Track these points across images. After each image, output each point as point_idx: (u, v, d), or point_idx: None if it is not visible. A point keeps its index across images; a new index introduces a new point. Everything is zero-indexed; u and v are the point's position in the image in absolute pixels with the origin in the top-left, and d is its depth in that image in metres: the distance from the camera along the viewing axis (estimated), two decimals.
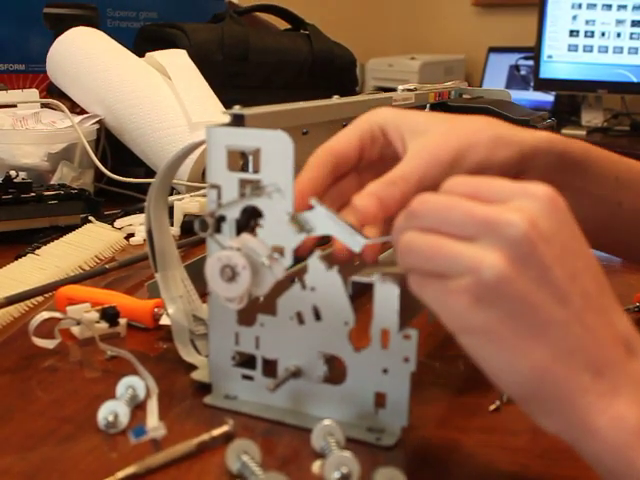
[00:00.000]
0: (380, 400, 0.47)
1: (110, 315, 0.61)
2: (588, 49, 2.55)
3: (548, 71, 2.60)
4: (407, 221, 0.40)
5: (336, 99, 0.65)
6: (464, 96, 0.96)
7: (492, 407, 0.51)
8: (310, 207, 0.46)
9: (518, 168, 0.50)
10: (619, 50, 2.50)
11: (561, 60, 2.58)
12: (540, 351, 0.37)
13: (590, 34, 2.54)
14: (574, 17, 2.56)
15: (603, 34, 2.52)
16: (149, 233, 0.55)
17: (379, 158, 0.52)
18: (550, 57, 2.60)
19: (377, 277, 0.44)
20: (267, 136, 0.46)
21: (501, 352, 0.37)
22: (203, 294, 0.54)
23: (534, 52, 2.63)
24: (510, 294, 0.36)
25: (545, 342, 0.37)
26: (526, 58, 2.79)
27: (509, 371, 0.38)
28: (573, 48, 2.56)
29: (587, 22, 2.54)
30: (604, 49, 2.52)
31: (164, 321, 0.62)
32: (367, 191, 0.47)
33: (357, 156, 0.51)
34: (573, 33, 2.56)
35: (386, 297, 0.44)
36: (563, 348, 0.37)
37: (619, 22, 2.50)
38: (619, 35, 2.51)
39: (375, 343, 0.45)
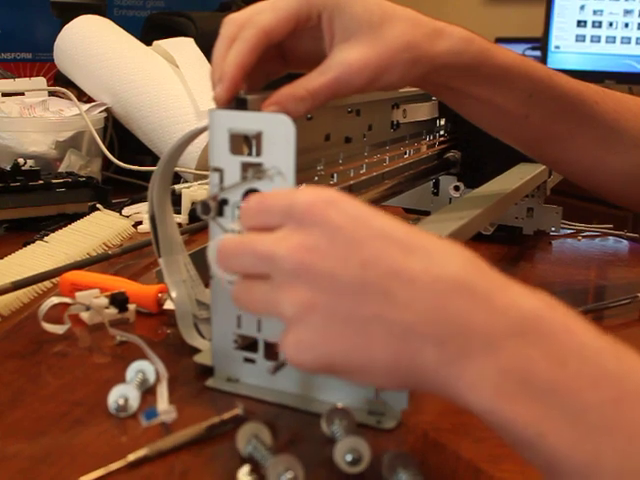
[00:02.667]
0: None
1: (119, 301, 0.61)
2: (596, 39, 2.53)
3: (555, 62, 2.59)
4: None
5: None
6: None
7: None
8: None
9: (426, 80, 0.56)
10: (627, 40, 2.49)
11: (568, 50, 2.57)
12: (377, 354, 0.36)
13: (598, 24, 2.52)
14: (582, 7, 2.54)
15: (611, 24, 2.50)
16: (152, 218, 0.55)
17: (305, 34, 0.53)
18: (557, 47, 2.59)
19: None
20: (269, 119, 0.46)
21: (358, 372, 0.38)
22: (207, 282, 0.54)
23: (541, 43, 2.62)
24: (315, 322, 0.37)
25: (378, 341, 0.36)
26: (533, 49, 2.78)
27: (372, 380, 0.38)
28: (580, 38, 2.55)
29: (595, 12, 2.53)
30: (612, 39, 2.51)
31: (168, 306, 0.63)
32: (274, 99, 0.49)
33: (287, 36, 0.51)
34: (581, 23, 2.55)
35: None
36: (394, 336, 0.36)
37: (627, 12, 2.49)
38: (627, 25, 2.50)
39: None
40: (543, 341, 0.34)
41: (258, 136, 0.46)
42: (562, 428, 0.33)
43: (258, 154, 0.47)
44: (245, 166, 0.47)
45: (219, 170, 0.48)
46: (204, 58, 1.17)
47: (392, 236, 0.38)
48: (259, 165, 0.47)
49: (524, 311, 0.35)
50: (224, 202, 0.48)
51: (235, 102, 0.49)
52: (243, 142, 0.48)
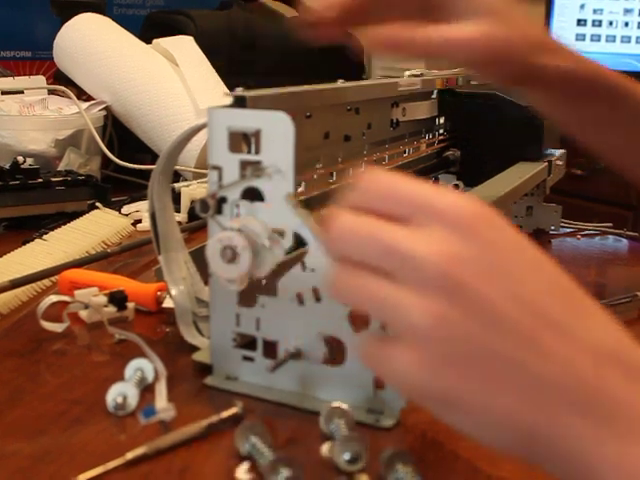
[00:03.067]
0: (379, 381, 0.47)
1: (118, 299, 0.61)
2: (596, 38, 2.53)
3: None
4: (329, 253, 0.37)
5: (340, 83, 0.64)
6: (472, 82, 0.96)
7: None
8: None
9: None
10: (627, 39, 2.49)
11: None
12: (501, 399, 0.32)
13: (598, 23, 2.52)
14: (582, 6, 2.54)
15: (611, 23, 2.50)
16: (152, 216, 0.55)
17: None
18: None
19: None
20: (267, 117, 0.46)
21: (467, 415, 0.33)
22: (207, 280, 0.54)
23: None
24: (447, 341, 0.32)
25: (503, 385, 0.32)
26: None
27: (484, 432, 0.34)
28: (581, 37, 2.55)
29: (595, 11, 2.53)
30: (612, 38, 2.51)
31: (167, 304, 0.63)
32: (394, 38, 0.51)
33: None
34: (581, 22, 2.55)
35: None
36: (530, 388, 0.31)
37: (627, 11, 2.48)
38: (627, 24, 2.49)
39: (374, 324, 0.45)
40: None
41: (257, 134, 0.46)
42: None
43: (257, 152, 0.47)
44: (244, 164, 0.47)
45: (218, 168, 0.48)
46: (204, 56, 1.16)
47: (558, 283, 0.34)
48: (258, 163, 0.47)
49: None
50: (223, 200, 0.48)
51: (234, 100, 0.49)
52: (242, 140, 0.48)
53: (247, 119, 0.47)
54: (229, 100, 0.49)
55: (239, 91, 0.49)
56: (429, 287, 0.32)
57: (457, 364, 0.32)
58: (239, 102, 0.49)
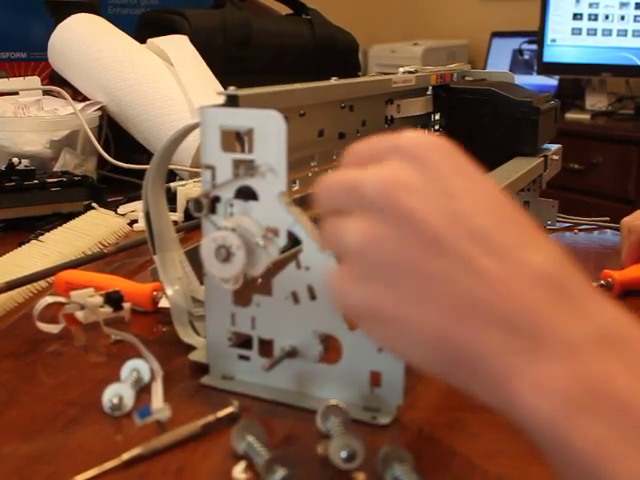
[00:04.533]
0: (375, 379, 0.47)
1: (114, 299, 0.61)
2: (592, 32, 2.53)
3: (552, 55, 2.59)
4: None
5: (334, 80, 0.64)
6: (466, 78, 0.96)
7: None
8: None
9: None
10: (623, 33, 2.48)
11: (565, 44, 2.57)
12: (432, 316, 0.32)
13: (594, 17, 2.52)
14: (577, 0, 2.54)
15: (607, 17, 2.50)
16: (147, 215, 0.55)
17: None
18: (554, 41, 2.58)
19: None
20: (260, 115, 0.46)
21: (394, 331, 0.34)
22: (203, 280, 0.54)
23: (537, 36, 2.62)
24: (377, 258, 0.34)
25: (433, 304, 0.32)
26: (529, 42, 2.77)
27: (412, 350, 0.34)
28: (577, 32, 2.55)
29: (591, 5, 2.52)
30: (608, 32, 2.50)
31: (163, 304, 0.62)
32: None
33: None
34: (577, 16, 2.55)
35: None
36: (455, 305, 0.32)
37: (623, 5, 2.48)
38: (623, 18, 2.49)
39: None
40: (625, 355, 0.31)
41: (249, 133, 0.46)
42: (632, 455, 0.29)
43: (250, 151, 0.47)
44: (237, 163, 0.47)
45: (211, 167, 0.48)
46: (198, 55, 1.16)
47: (496, 201, 0.34)
48: (251, 162, 0.46)
49: (608, 320, 0.32)
50: (217, 199, 0.48)
51: (226, 99, 0.49)
52: (235, 139, 0.48)
53: (240, 118, 0.47)
54: (222, 99, 0.49)
55: (232, 90, 0.49)
56: (369, 210, 0.34)
57: (387, 281, 0.33)
58: (231, 101, 0.49)
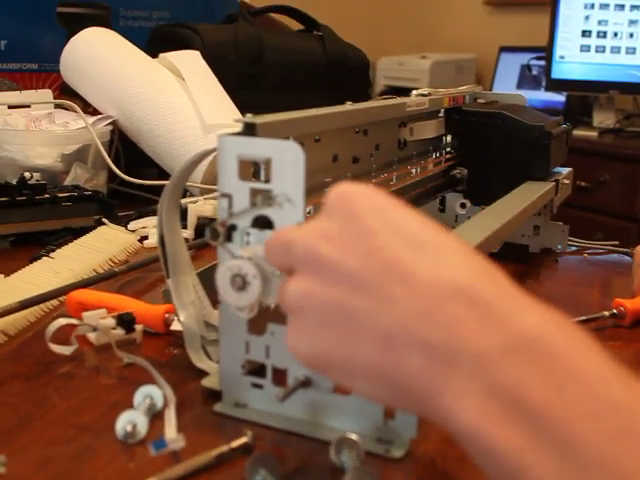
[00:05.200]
0: (389, 411, 0.46)
1: (126, 321, 0.61)
2: (600, 49, 2.53)
3: (560, 71, 2.59)
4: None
5: (349, 105, 0.64)
6: (478, 100, 0.96)
7: None
8: None
9: None
10: (632, 51, 2.49)
11: (573, 60, 2.57)
12: (362, 352, 0.35)
13: (602, 34, 2.52)
14: (586, 17, 2.54)
15: (616, 34, 2.50)
16: (161, 239, 0.55)
17: None
18: (562, 57, 2.59)
19: None
20: (278, 146, 0.46)
21: (341, 371, 0.37)
22: (215, 302, 0.54)
23: (546, 52, 2.62)
24: (313, 310, 0.36)
25: (362, 339, 0.35)
26: (538, 58, 2.78)
27: (358, 385, 0.37)
28: (585, 48, 2.55)
29: (600, 22, 2.53)
30: (616, 50, 2.51)
31: (175, 326, 0.62)
32: None
33: None
34: (585, 33, 2.55)
35: None
36: (379, 336, 0.34)
37: (632, 22, 2.49)
38: (632, 35, 2.50)
39: None
40: (541, 361, 0.31)
41: (267, 162, 0.46)
42: (550, 462, 0.30)
43: (267, 180, 0.47)
44: (254, 192, 0.47)
45: (228, 196, 0.48)
46: (210, 71, 1.17)
47: (405, 230, 0.36)
48: (268, 192, 0.46)
49: (525, 326, 0.32)
50: (233, 228, 0.48)
51: (244, 127, 0.49)
52: (252, 168, 0.48)
53: (257, 147, 0.47)
54: (239, 126, 0.49)
55: (249, 117, 0.49)
56: (301, 266, 0.38)
57: (324, 328, 0.36)
58: (249, 129, 0.49)
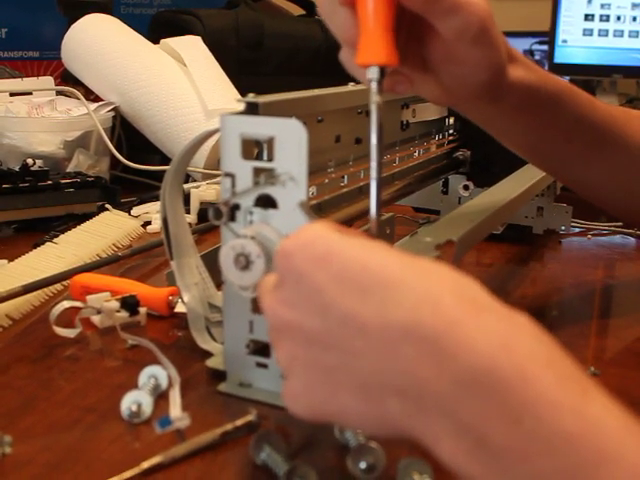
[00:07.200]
0: None
1: (130, 304, 0.61)
2: (603, 33, 2.52)
3: (563, 56, 2.58)
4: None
5: (351, 86, 0.64)
6: None
7: None
8: None
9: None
10: (635, 34, 2.47)
11: (576, 45, 2.56)
12: (348, 403, 0.35)
13: (605, 18, 2.51)
14: (589, 1, 2.53)
15: (619, 18, 2.49)
16: (164, 221, 0.55)
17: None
18: (565, 42, 2.57)
19: None
20: (281, 124, 0.46)
21: (339, 420, 0.37)
22: (219, 284, 0.54)
23: (548, 37, 2.61)
24: (300, 370, 0.37)
25: (344, 392, 0.35)
26: (540, 43, 2.77)
27: (359, 427, 0.40)
28: (588, 32, 2.53)
29: (602, 6, 2.51)
30: (619, 33, 2.49)
31: (179, 309, 0.63)
32: None
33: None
34: (588, 17, 2.53)
35: None
36: (358, 387, 0.35)
37: (635, 6, 2.47)
38: (635, 19, 2.48)
39: None
40: (496, 394, 0.31)
41: (270, 141, 0.46)
42: None
43: (270, 159, 0.47)
44: (257, 171, 0.47)
45: (231, 175, 0.48)
46: (212, 56, 1.16)
47: (349, 277, 0.35)
48: (271, 170, 0.46)
49: (474, 358, 0.32)
50: (236, 207, 0.48)
51: (246, 106, 0.49)
52: (255, 147, 0.48)
53: (260, 126, 0.46)
54: (241, 106, 0.49)
55: (251, 97, 0.49)
56: (276, 333, 0.38)
57: (310, 384, 0.37)
58: (251, 108, 0.48)
